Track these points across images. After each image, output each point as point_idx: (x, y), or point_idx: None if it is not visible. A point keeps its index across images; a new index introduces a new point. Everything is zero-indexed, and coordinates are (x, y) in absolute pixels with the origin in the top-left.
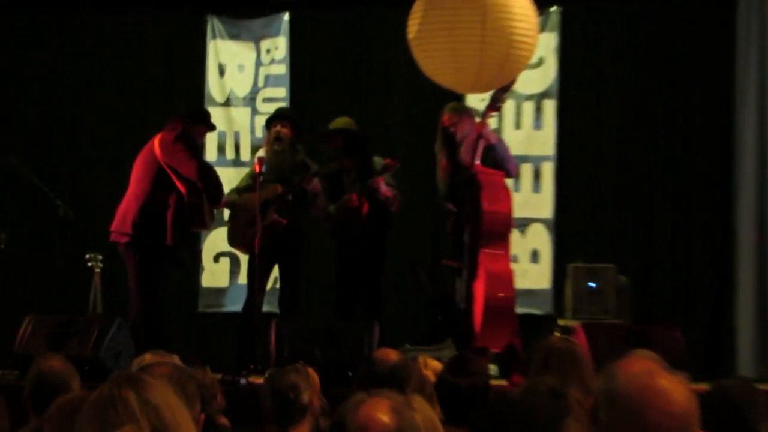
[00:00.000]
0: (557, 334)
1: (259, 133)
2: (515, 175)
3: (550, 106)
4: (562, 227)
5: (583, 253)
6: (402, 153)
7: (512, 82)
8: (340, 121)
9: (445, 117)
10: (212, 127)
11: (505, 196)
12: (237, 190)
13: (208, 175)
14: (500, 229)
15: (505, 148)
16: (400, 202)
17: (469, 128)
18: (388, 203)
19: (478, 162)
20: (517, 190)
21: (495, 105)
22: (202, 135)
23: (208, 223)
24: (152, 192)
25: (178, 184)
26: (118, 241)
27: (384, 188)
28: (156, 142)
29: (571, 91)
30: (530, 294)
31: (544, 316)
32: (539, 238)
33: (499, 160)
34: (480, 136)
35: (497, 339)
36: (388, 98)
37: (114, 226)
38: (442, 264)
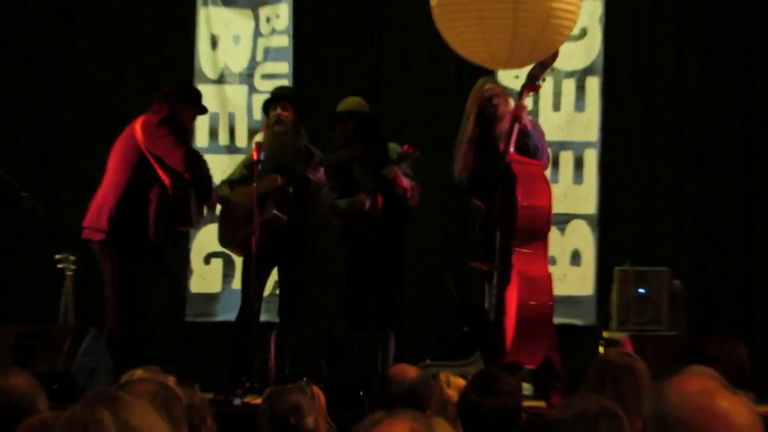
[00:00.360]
0: (602, 348)
1: (258, 114)
2: (546, 167)
3: (593, 85)
4: (607, 224)
5: (631, 255)
6: (422, 138)
7: (554, 56)
8: (350, 102)
9: (489, 87)
10: (203, 110)
11: (544, 188)
12: (230, 182)
13: (196, 166)
14: (537, 226)
15: (541, 136)
16: (420, 195)
17: (505, 109)
18: (406, 197)
19: (512, 149)
20: (555, 181)
21: (533, 83)
22: (192, 118)
23: (195, 221)
24: (132, 183)
25: (162, 175)
26: (91, 239)
27: (401, 179)
28: (138, 125)
29: (619, 67)
30: (570, 301)
31: (587, 327)
32: (581, 237)
33: (532, 149)
34: (516, 119)
35: (532, 353)
36: (406, 75)
37: (87, 220)
38: (469, 267)
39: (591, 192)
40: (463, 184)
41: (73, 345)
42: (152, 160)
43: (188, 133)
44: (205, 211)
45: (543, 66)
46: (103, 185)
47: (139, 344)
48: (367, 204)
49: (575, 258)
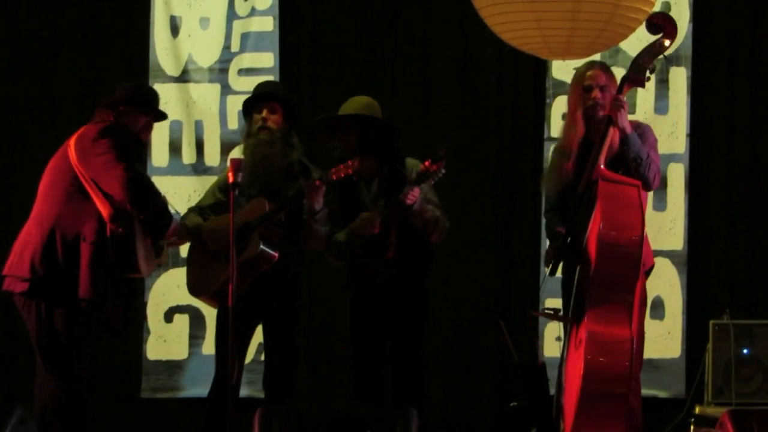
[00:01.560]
0: (693, 428)
1: (234, 122)
2: (655, 186)
3: (680, 79)
4: (699, 264)
5: (732, 304)
6: (450, 152)
7: (669, 35)
8: (356, 103)
9: (590, 75)
10: (159, 115)
11: (635, 219)
12: (200, 210)
13: (142, 192)
14: (621, 270)
15: (650, 144)
16: (446, 228)
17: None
18: (428, 229)
19: (602, 161)
20: None
21: (638, 76)
22: (146, 128)
23: (144, 267)
24: (62, 216)
25: (98, 205)
26: (12, 291)
27: (421, 206)
28: (72, 141)
29: (713, 55)
30: (651, 366)
31: (673, 401)
32: (665, 282)
33: (633, 161)
34: (610, 121)
35: None
36: (426, 69)
37: (7, 267)
38: (529, 316)
39: (678, 221)
40: (550, 200)
41: None
42: (87, 185)
43: (139, 146)
44: (163, 253)
45: (651, 52)
46: (29, 221)
47: (80, 426)
48: (377, 224)
49: (657, 309)
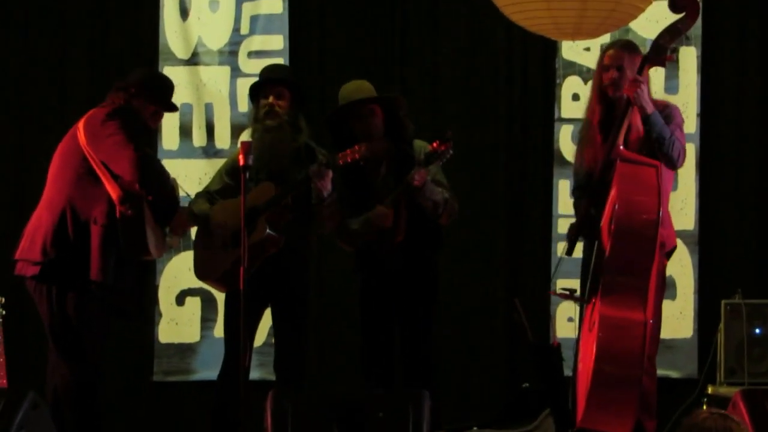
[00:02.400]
0: (705, 407)
1: (244, 105)
2: (680, 166)
3: (690, 58)
4: (711, 244)
5: (744, 284)
6: (459, 133)
7: (693, 13)
8: (354, 87)
9: (610, 54)
10: (171, 107)
11: (652, 200)
12: (208, 195)
13: (152, 174)
14: (636, 254)
15: (675, 123)
16: (456, 209)
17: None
18: (437, 211)
19: (620, 141)
20: None
21: (659, 55)
22: (156, 118)
23: (155, 249)
24: (72, 199)
25: (108, 187)
26: (24, 274)
27: (429, 188)
28: (81, 123)
29: (724, 36)
30: (663, 347)
31: (685, 381)
32: (676, 262)
33: (656, 141)
34: (629, 101)
35: (612, 421)
36: (436, 50)
37: (19, 251)
38: (548, 296)
39: (689, 201)
40: (578, 178)
41: (5, 414)
42: (96, 168)
43: (148, 132)
44: (169, 236)
45: (673, 32)
46: (40, 204)
47: (93, 411)
48: (390, 218)
49: (669, 289)
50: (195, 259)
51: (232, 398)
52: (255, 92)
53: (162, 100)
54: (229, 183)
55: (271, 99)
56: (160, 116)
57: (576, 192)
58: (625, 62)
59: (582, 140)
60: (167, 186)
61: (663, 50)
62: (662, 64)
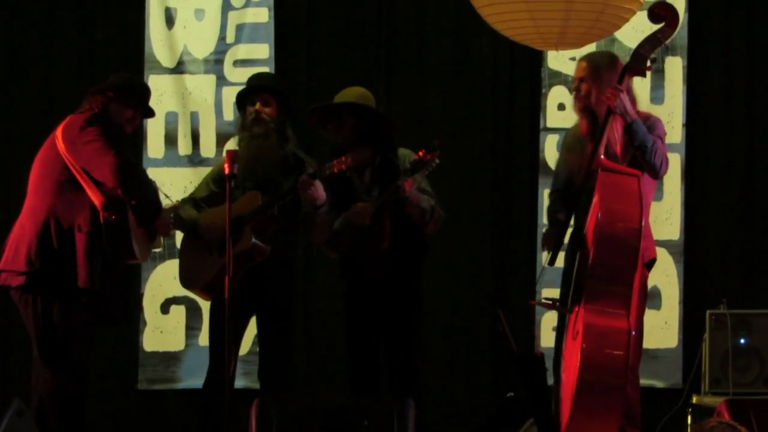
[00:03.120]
0: (690, 418)
1: (229, 114)
2: (662, 174)
3: (676, 69)
4: (696, 254)
5: (729, 294)
6: (444, 142)
7: (671, 25)
8: (350, 93)
9: (579, 65)
10: (148, 112)
11: (632, 210)
12: (194, 201)
13: (134, 179)
14: (621, 260)
15: (657, 131)
16: (441, 218)
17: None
18: (424, 219)
19: (601, 151)
20: None
21: (639, 65)
22: (131, 123)
23: (140, 252)
24: (55, 208)
25: (91, 194)
26: (9, 285)
27: (415, 196)
28: (59, 131)
29: (709, 46)
30: (648, 357)
31: (670, 390)
32: (661, 272)
33: (639, 149)
34: (610, 111)
35: (596, 430)
36: (421, 59)
37: (3, 263)
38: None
39: (674, 211)
40: (558, 182)
41: None
42: (77, 175)
43: (122, 137)
44: (157, 237)
45: (653, 41)
46: (22, 214)
47: (78, 418)
48: (369, 215)
49: (654, 299)
50: (180, 267)
51: (218, 407)
52: (242, 100)
53: (140, 105)
54: (215, 191)
55: (257, 106)
56: (137, 121)
57: (552, 195)
58: (587, 73)
59: (569, 146)
60: (150, 189)
61: (643, 60)
62: (642, 74)
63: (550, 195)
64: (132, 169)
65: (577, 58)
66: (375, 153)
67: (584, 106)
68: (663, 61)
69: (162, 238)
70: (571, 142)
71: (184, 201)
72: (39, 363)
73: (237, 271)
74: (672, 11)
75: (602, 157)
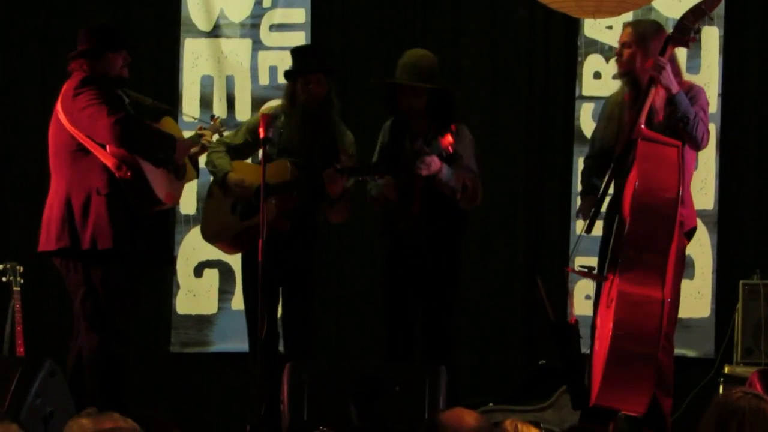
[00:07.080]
0: (722, 387)
1: (265, 78)
2: (704, 146)
3: (712, 39)
4: (729, 224)
5: (763, 264)
6: (483, 114)
7: None
8: (414, 56)
9: (625, 31)
10: (129, 46)
11: (671, 180)
12: (226, 146)
13: (130, 133)
14: (657, 230)
15: (699, 103)
16: (477, 197)
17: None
18: (454, 197)
19: (642, 121)
20: None
21: (683, 36)
22: (120, 64)
23: (168, 196)
24: (73, 178)
25: (101, 157)
26: (48, 251)
27: (447, 176)
28: (59, 105)
29: (746, 16)
30: (681, 326)
31: (702, 360)
32: (695, 242)
33: (681, 120)
34: (652, 81)
35: (628, 397)
36: (457, 27)
37: (41, 245)
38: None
39: (709, 181)
40: (594, 147)
41: (21, 383)
42: (84, 142)
43: (122, 85)
44: (188, 169)
45: (697, 12)
46: (50, 192)
47: (117, 381)
48: (393, 192)
49: (687, 268)
50: (203, 216)
51: (271, 369)
52: (292, 75)
53: (126, 43)
54: (250, 141)
55: (312, 85)
56: (124, 61)
57: (587, 161)
58: (632, 39)
59: (609, 114)
60: (154, 137)
61: (687, 30)
62: (686, 45)
63: (586, 160)
64: (130, 125)
65: (615, 26)
66: (433, 126)
67: (625, 72)
68: (699, 32)
69: (191, 167)
70: (611, 109)
71: (219, 141)
72: (83, 325)
73: (256, 240)
74: None
75: (643, 126)
